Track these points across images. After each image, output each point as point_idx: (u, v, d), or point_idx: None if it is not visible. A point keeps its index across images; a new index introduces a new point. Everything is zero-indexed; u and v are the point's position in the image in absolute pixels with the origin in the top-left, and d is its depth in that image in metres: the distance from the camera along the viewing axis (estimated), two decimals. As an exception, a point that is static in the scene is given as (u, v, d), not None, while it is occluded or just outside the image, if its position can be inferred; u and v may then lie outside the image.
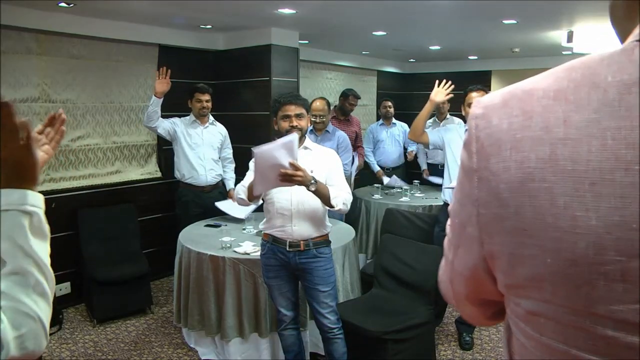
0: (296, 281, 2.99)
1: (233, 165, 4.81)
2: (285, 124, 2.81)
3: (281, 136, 2.74)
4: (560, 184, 0.56)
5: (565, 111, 0.58)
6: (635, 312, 0.54)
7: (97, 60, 4.73)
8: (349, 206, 2.83)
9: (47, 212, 0.98)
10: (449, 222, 0.77)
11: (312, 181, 2.59)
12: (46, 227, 0.96)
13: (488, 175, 0.63)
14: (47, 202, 0.99)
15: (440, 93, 3.71)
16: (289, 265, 2.87)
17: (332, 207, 2.74)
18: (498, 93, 0.67)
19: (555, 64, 0.64)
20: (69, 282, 4.54)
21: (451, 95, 3.77)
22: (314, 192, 2.63)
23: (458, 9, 4.14)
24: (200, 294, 3.48)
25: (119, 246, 4.53)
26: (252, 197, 2.81)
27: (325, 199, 2.71)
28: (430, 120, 5.81)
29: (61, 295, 4.44)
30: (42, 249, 0.94)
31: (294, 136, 2.57)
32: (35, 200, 0.94)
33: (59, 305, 4.31)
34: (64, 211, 4.43)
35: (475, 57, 7.76)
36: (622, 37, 0.65)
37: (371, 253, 5.08)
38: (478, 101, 0.68)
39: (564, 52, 6.62)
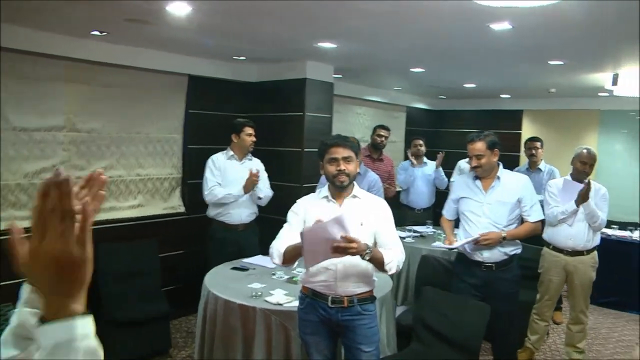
0: (335, 337, 2.74)
1: (270, 193, 4.43)
2: (332, 168, 2.59)
3: (328, 181, 2.67)
4: None
5: None
6: None
7: (125, 89, 4.58)
8: (401, 266, 2.60)
9: None
10: None
11: (367, 250, 2.35)
12: (98, 351, 0.77)
13: None
14: None
15: None
16: (330, 321, 2.62)
17: (385, 272, 2.51)
18: None
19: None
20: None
21: None
22: (368, 260, 2.40)
23: (508, 50, 3.96)
24: (227, 343, 3.23)
25: (138, 284, 4.29)
26: (287, 262, 2.58)
27: (379, 265, 2.48)
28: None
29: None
30: None
31: (345, 214, 2.34)
32: (85, 328, 0.75)
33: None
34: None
35: (508, 96, 7.58)
36: None
37: (401, 299, 4.81)
38: None
39: (600, 94, 6.45)
